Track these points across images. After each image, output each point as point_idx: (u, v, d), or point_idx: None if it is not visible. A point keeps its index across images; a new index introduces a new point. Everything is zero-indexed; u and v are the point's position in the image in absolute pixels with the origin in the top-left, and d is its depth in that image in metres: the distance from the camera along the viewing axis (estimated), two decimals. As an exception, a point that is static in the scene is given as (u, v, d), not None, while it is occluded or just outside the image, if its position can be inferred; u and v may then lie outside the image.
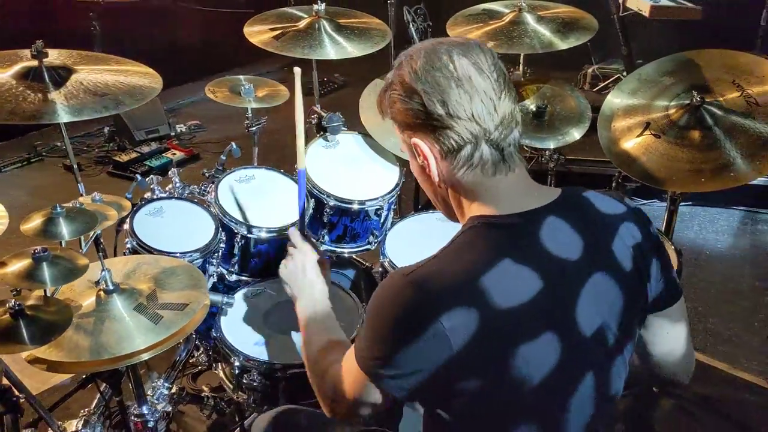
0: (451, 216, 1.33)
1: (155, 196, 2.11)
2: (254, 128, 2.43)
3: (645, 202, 3.81)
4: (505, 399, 1.15)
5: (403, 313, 1.11)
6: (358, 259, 2.60)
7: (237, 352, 1.86)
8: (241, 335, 1.92)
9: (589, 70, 4.90)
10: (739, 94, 2.14)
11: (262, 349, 1.89)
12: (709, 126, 2.13)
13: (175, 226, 2.04)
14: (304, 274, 1.59)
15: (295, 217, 1.93)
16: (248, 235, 2.09)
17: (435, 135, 1.17)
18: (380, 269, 2.25)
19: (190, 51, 6.29)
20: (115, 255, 2.16)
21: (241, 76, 2.43)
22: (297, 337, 1.92)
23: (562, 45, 2.34)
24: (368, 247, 2.41)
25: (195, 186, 2.23)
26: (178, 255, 1.92)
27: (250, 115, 2.43)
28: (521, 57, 2.61)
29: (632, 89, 2.31)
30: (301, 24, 2.47)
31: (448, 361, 1.09)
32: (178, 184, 2.21)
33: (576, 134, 2.38)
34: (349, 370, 1.23)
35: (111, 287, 1.62)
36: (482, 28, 2.48)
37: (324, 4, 2.44)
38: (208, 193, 2.16)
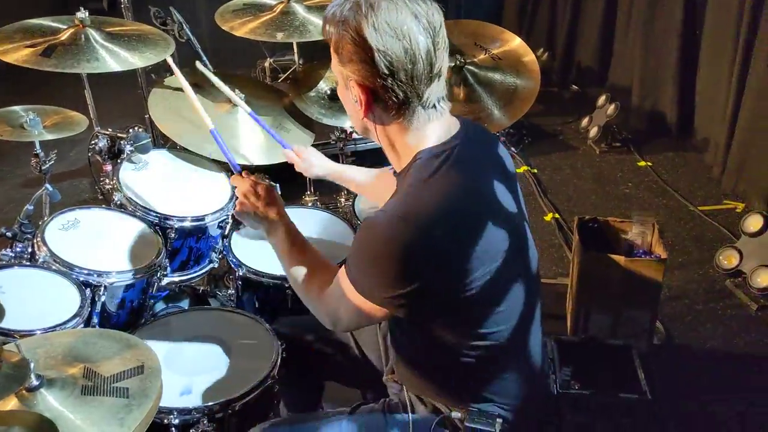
0: (365, 133, 1.39)
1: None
2: (47, 166, 1.98)
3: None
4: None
5: (404, 248, 1.21)
6: (191, 285, 2.37)
7: (170, 410, 1.59)
8: (158, 392, 1.64)
9: (266, 64, 5.10)
10: (485, 54, 2.63)
11: (194, 396, 1.65)
12: (471, 83, 2.58)
13: (26, 298, 1.60)
14: (263, 208, 1.55)
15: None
16: (114, 284, 1.76)
17: (373, 87, 1.24)
18: (239, 282, 2.12)
19: None
20: None
21: (17, 107, 1.95)
22: (218, 365, 1.76)
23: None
24: (213, 265, 2.25)
25: (4, 251, 1.74)
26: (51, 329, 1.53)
27: (40, 151, 1.97)
28: (294, 45, 2.66)
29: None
30: (64, 36, 2.08)
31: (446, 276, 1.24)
32: (-26, 254, 1.70)
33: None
34: (347, 296, 1.32)
35: (35, 382, 1.24)
36: (254, 21, 2.47)
37: (87, 12, 2.09)
38: (36, 251, 1.72)
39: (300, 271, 1.50)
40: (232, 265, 2.11)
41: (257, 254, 2.11)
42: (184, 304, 2.35)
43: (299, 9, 2.50)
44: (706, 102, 4.11)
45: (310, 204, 2.74)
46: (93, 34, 2.11)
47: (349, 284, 1.32)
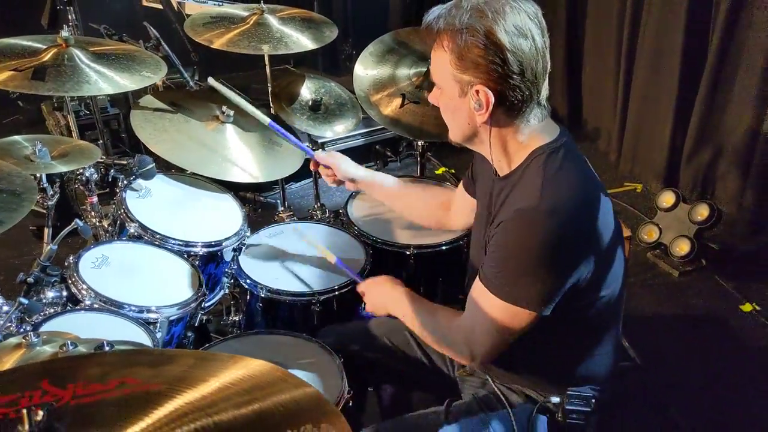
0: (467, 140, 1.45)
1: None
2: (52, 201, 1.76)
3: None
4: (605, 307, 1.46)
5: (563, 240, 1.30)
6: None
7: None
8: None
9: (158, 81, 4.81)
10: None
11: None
12: (442, 87, 2.65)
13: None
14: (387, 295, 1.68)
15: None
16: (168, 318, 1.63)
17: (502, 88, 1.31)
18: (260, 304, 2.03)
19: None
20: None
21: (18, 137, 1.71)
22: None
23: (312, 45, 2.45)
24: (224, 291, 2.14)
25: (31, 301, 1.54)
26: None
27: (46, 184, 1.75)
28: (266, 58, 2.56)
29: (368, 69, 2.62)
30: (46, 57, 1.86)
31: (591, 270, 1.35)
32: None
33: (340, 128, 2.52)
34: (487, 312, 1.36)
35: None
36: (226, 33, 2.37)
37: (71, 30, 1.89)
38: (76, 293, 1.55)
39: (429, 317, 1.56)
40: (250, 288, 2.01)
41: (271, 274, 2.05)
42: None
43: (273, 21, 2.44)
44: (594, 94, 4.56)
45: (287, 220, 2.69)
46: (77, 54, 1.91)
47: (491, 298, 1.35)
